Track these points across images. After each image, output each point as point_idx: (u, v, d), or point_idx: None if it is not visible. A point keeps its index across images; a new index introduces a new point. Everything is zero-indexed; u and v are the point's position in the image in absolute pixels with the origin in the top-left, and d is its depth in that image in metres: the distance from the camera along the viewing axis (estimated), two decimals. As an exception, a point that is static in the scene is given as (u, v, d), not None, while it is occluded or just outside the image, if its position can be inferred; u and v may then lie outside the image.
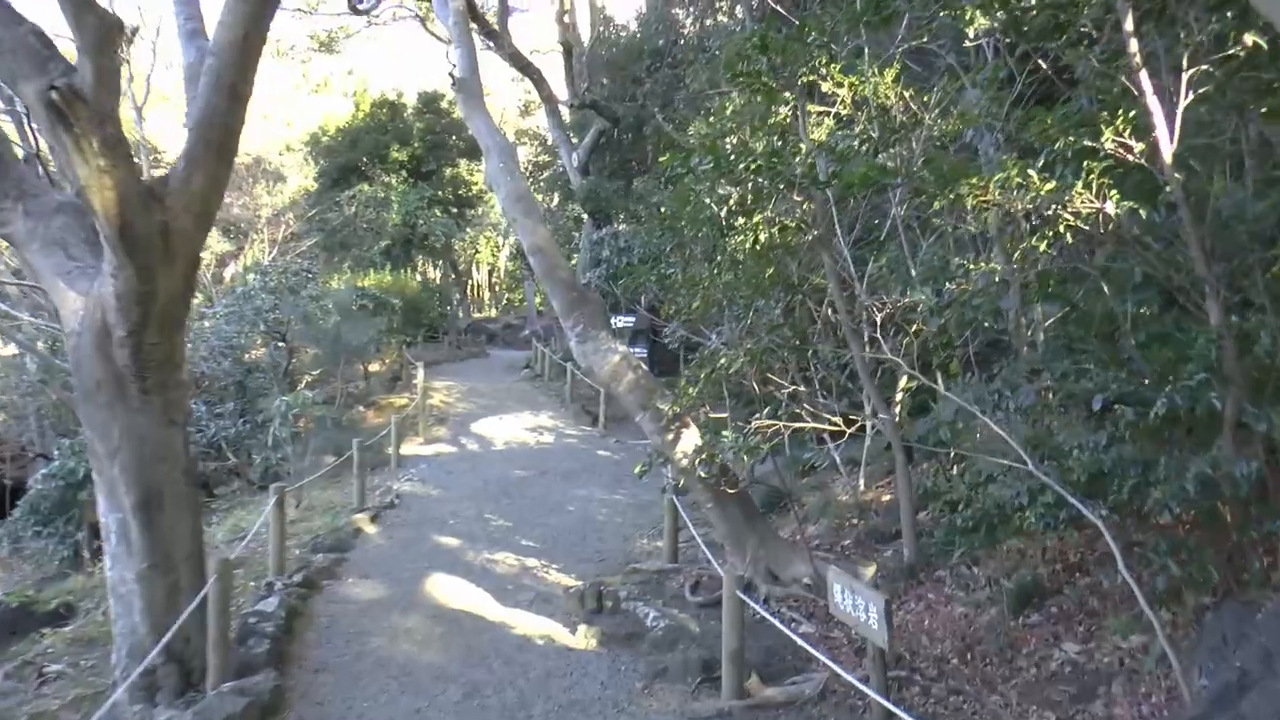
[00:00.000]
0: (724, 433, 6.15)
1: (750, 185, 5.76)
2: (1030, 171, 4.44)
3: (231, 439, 14.23)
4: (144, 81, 19.51)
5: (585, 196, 20.51)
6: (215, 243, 34.82)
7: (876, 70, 5.77)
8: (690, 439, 6.70)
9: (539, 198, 37.60)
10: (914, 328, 6.12)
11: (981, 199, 4.69)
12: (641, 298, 15.60)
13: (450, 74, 9.62)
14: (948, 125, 5.64)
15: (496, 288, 52.88)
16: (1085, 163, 4.32)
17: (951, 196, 4.79)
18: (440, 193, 30.58)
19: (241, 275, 19.80)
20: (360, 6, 22.99)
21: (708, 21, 19.13)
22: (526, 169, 39.90)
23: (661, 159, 6.38)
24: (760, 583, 6.57)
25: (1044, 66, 5.72)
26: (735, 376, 6.15)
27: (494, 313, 49.11)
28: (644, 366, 7.06)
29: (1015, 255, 5.42)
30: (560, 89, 24.27)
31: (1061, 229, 4.51)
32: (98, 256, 5.06)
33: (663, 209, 7.79)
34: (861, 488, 8.32)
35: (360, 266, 25.34)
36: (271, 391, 15.75)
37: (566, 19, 23.62)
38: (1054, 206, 4.41)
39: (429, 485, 11.31)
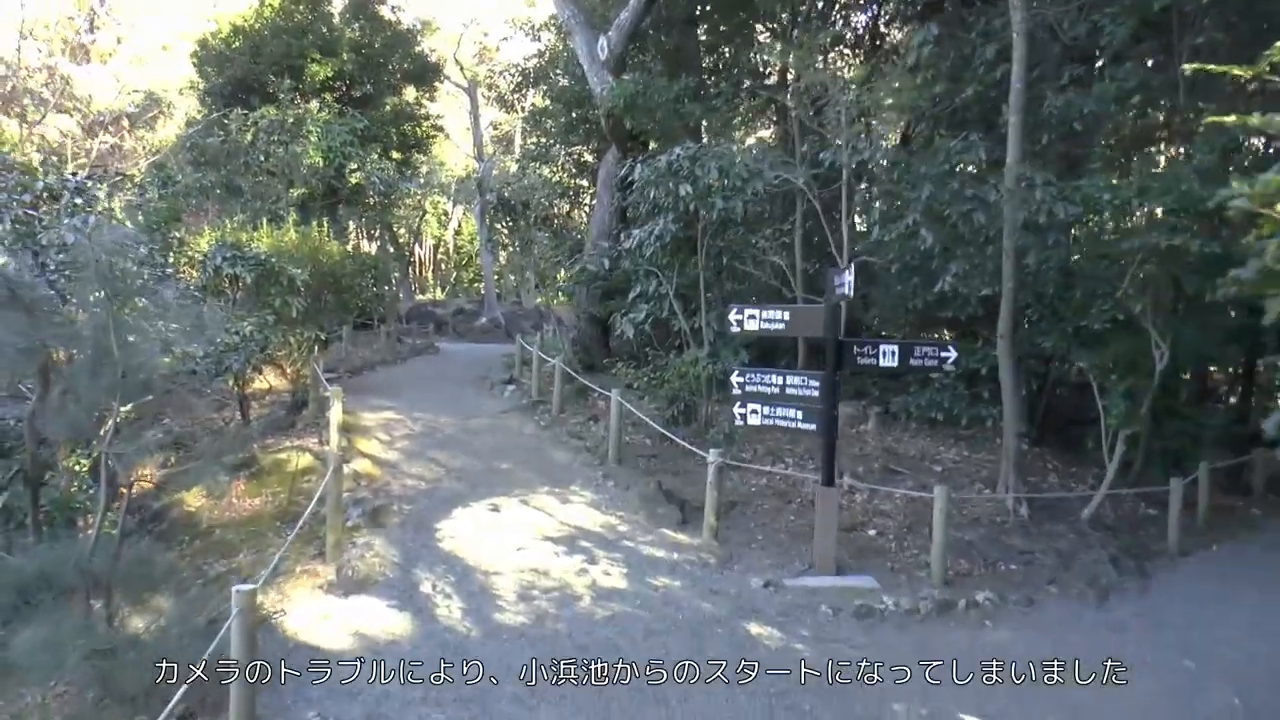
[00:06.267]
0: None
1: None
2: None
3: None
4: None
5: (623, 105, 12.25)
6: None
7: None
8: None
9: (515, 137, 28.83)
10: None
11: None
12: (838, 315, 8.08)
13: None
14: None
15: (443, 265, 44.47)
16: None
17: None
18: (378, 129, 22.30)
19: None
20: None
21: None
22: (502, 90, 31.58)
23: None
24: None
25: None
26: None
27: (439, 294, 40.84)
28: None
29: None
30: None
31: None
32: None
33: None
34: None
35: (257, 221, 16.95)
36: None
37: None
38: None
39: None
